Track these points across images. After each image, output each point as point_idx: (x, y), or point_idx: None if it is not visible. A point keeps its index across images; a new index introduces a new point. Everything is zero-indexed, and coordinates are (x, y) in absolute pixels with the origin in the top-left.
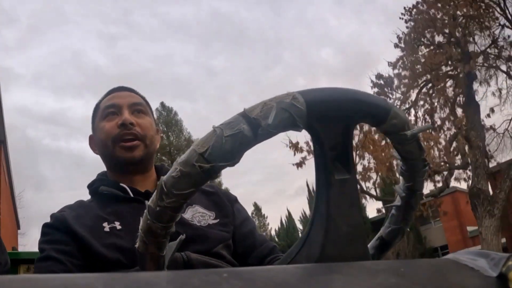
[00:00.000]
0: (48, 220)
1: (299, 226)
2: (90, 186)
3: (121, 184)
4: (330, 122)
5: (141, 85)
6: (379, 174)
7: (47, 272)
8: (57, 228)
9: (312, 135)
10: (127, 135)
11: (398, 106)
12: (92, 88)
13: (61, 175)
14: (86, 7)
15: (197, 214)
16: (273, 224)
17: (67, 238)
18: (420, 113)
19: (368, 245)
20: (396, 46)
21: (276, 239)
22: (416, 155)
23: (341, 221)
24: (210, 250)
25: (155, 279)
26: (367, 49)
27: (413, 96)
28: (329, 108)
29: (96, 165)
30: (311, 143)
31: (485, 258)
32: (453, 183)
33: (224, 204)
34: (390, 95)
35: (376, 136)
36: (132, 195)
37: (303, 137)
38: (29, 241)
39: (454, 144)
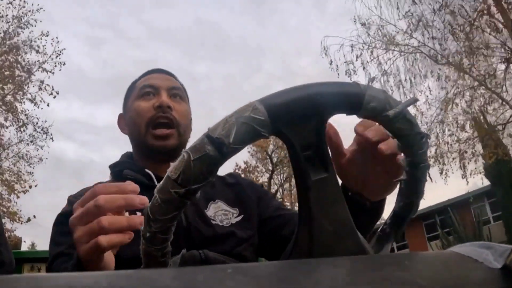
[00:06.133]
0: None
1: None
2: (113, 167)
3: (147, 170)
4: (297, 123)
5: (124, 89)
6: None
7: (61, 270)
8: None
9: (282, 140)
10: (162, 119)
11: None
12: (75, 91)
13: (40, 176)
14: (72, 10)
15: (220, 212)
16: None
17: None
18: None
19: (385, 222)
20: None
21: None
22: (408, 130)
23: (325, 221)
24: (231, 251)
25: (160, 277)
26: (346, 59)
27: None
28: (293, 110)
29: (76, 167)
30: None
31: (489, 249)
32: None
33: (248, 196)
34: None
35: None
36: (157, 183)
37: None
38: None
39: None
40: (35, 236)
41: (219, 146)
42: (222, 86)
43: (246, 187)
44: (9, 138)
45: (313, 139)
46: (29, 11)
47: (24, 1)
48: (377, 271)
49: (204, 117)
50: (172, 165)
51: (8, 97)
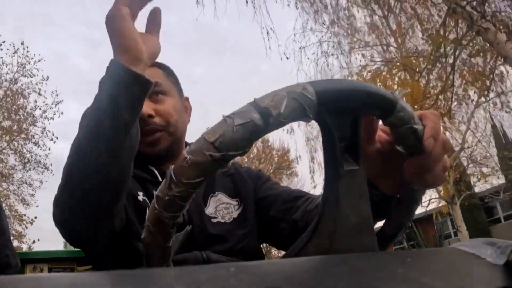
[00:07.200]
0: None
1: None
2: None
3: (150, 167)
4: (339, 113)
5: None
6: None
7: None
8: None
9: (322, 125)
10: (148, 131)
11: None
12: (73, 91)
13: (38, 176)
14: (71, 11)
15: (221, 207)
16: None
17: None
18: None
19: None
20: None
21: None
22: (421, 148)
23: (350, 212)
24: (234, 247)
25: (163, 276)
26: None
27: None
28: (339, 99)
29: None
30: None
31: (491, 246)
32: None
33: (245, 183)
34: None
35: None
36: (160, 179)
37: None
38: None
39: None
40: (34, 237)
41: (266, 116)
42: (218, 87)
43: (245, 175)
44: (14, 166)
45: (349, 132)
46: (31, 58)
47: (27, 51)
48: (381, 269)
49: (200, 118)
50: (210, 128)
51: (15, 143)
